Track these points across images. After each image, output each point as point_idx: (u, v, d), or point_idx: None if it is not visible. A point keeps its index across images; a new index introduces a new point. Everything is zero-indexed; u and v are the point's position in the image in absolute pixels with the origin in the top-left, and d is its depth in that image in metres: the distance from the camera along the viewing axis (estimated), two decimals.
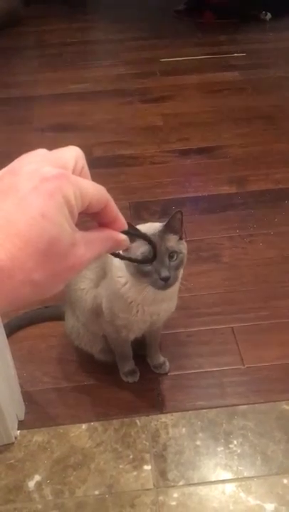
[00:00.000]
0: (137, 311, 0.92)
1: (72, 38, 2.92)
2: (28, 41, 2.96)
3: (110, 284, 0.93)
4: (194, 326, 1.15)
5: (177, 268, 0.85)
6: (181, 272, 0.88)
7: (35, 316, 1.19)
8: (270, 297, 1.21)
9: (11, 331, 1.14)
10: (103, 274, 0.96)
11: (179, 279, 0.88)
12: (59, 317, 1.12)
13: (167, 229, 0.86)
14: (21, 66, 2.63)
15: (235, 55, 2.54)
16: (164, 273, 0.83)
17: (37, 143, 1.78)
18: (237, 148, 1.82)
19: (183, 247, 0.87)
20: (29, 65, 2.65)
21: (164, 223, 0.87)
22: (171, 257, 0.84)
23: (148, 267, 0.84)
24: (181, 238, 0.88)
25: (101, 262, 0.96)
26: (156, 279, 0.83)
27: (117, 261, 0.89)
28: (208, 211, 1.52)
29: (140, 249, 0.80)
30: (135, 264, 0.84)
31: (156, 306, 0.92)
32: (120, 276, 0.90)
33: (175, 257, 0.85)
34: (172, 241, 0.86)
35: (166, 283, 0.83)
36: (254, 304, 1.19)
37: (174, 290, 0.91)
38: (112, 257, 0.89)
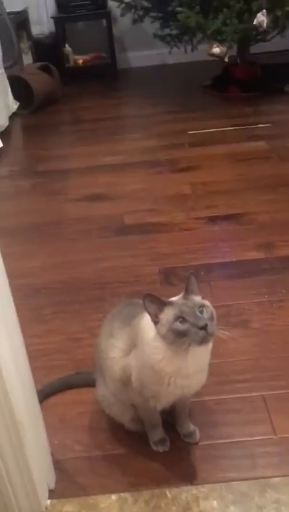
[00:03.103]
0: (169, 384, 0.93)
1: (105, 113, 3.12)
2: (65, 118, 3.18)
3: (142, 358, 0.95)
4: (224, 394, 1.14)
5: (211, 319, 0.88)
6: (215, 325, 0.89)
7: (68, 382, 1.21)
8: None
9: (44, 396, 1.16)
10: (133, 344, 0.99)
11: (214, 335, 0.88)
12: (91, 383, 1.14)
13: (187, 293, 0.90)
14: (58, 141, 2.81)
15: (261, 125, 2.66)
16: (202, 321, 0.85)
17: (71, 212, 1.90)
18: (264, 214, 1.86)
19: (208, 302, 0.90)
20: (65, 139, 2.83)
21: (184, 289, 0.91)
22: (201, 311, 0.88)
23: (184, 326, 0.86)
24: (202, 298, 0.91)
25: (131, 332, 0.99)
26: (196, 331, 0.85)
27: (150, 335, 0.92)
28: (237, 276, 1.55)
29: (170, 313, 0.85)
30: (171, 330, 0.87)
31: (188, 379, 0.93)
32: (156, 353, 0.91)
33: (205, 311, 0.88)
34: (197, 299, 0.90)
35: (206, 332, 0.85)
36: (285, 371, 1.18)
37: (206, 361, 0.93)
38: (145, 329, 0.93)
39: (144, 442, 1.06)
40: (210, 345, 0.91)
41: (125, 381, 1.00)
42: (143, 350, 0.94)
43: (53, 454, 1.04)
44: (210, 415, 1.11)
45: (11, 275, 0.86)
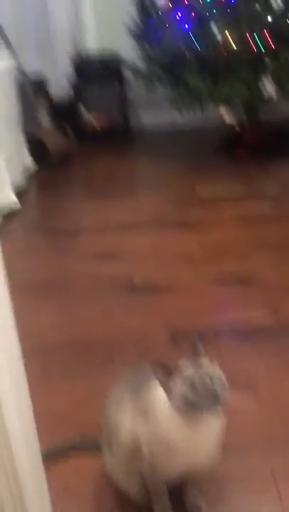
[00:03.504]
0: (180, 455, 0.93)
1: (117, 173, 3.22)
2: (78, 176, 3.29)
3: (154, 429, 0.95)
4: (231, 464, 1.12)
5: (222, 388, 0.90)
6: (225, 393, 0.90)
7: (73, 446, 1.20)
8: None
9: (48, 459, 1.15)
10: (143, 414, 0.98)
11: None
12: (96, 447, 1.13)
13: (196, 357, 0.93)
14: (70, 199, 2.89)
15: (269, 187, 2.73)
16: (213, 391, 0.88)
17: (81, 270, 1.93)
18: (271, 277, 1.88)
19: (218, 369, 0.92)
20: (77, 198, 2.92)
21: (192, 353, 0.94)
22: (211, 379, 0.89)
23: (196, 396, 0.88)
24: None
25: (142, 403, 0.99)
26: (208, 400, 0.87)
27: (162, 405, 0.93)
28: (245, 339, 1.55)
29: (181, 383, 0.88)
30: (183, 399, 0.88)
31: (199, 452, 0.94)
32: (167, 423, 0.92)
33: (216, 379, 0.90)
34: (206, 364, 0.92)
35: (218, 401, 0.88)
36: None
37: (218, 434, 0.94)
38: (155, 399, 0.93)
39: None
40: (222, 419, 0.92)
41: (134, 452, 0.99)
42: (154, 421, 0.95)
43: None
44: (217, 486, 1.09)
45: (20, 334, 0.88)
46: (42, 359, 1.52)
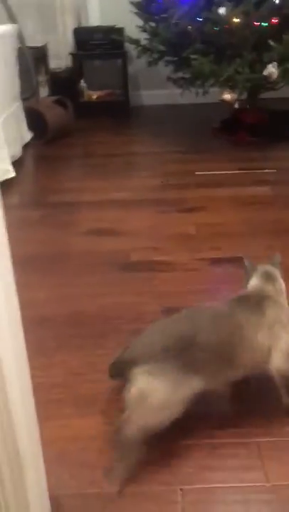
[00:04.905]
0: None
1: (116, 149, 3.21)
2: (77, 151, 3.27)
3: None
4: (220, 438, 1.16)
5: None
6: None
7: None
8: None
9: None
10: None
11: None
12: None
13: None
14: (69, 174, 2.89)
15: (267, 170, 2.73)
16: None
17: (78, 246, 1.94)
18: (265, 259, 1.90)
19: None
20: (76, 173, 2.91)
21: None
22: None
23: None
24: None
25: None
26: None
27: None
28: None
29: None
30: None
31: None
32: None
33: None
34: None
35: None
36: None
37: None
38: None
39: (139, 483, 1.08)
40: None
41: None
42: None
43: (49, 490, 1.05)
44: (205, 459, 1.13)
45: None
46: (36, 331, 1.54)
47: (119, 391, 1.29)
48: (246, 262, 1.29)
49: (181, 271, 1.87)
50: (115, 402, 1.26)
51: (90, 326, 1.57)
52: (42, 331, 1.55)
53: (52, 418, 1.21)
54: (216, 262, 1.92)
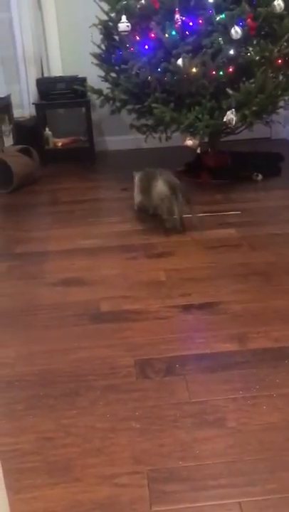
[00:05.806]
0: None
1: (82, 195, 3.23)
2: (43, 199, 3.27)
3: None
4: (200, 501, 1.13)
5: None
6: None
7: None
8: (276, 468, 1.20)
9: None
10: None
11: None
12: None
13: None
14: (35, 222, 2.88)
15: (231, 213, 2.79)
16: None
17: (47, 297, 1.92)
18: (236, 304, 1.92)
19: None
20: (42, 221, 2.90)
21: None
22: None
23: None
24: None
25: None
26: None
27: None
28: (211, 370, 1.56)
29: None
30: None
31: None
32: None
33: None
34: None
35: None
36: (260, 476, 1.18)
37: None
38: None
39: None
40: None
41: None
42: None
43: None
44: None
45: None
46: (6, 393, 1.49)
47: (93, 455, 1.25)
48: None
49: (152, 319, 1.86)
50: (90, 468, 1.21)
51: (61, 385, 1.52)
52: (12, 392, 1.50)
53: (24, 490, 1.15)
54: (187, 308, 1.91)
